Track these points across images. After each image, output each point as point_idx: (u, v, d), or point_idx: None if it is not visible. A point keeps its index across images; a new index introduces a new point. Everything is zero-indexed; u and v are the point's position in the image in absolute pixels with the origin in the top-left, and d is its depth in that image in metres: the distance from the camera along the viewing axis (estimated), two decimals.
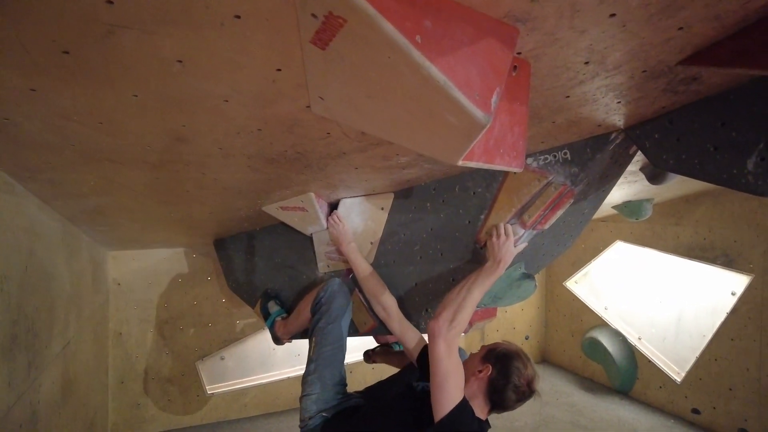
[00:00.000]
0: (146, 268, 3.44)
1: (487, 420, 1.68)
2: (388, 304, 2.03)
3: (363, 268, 2.10)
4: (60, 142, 1.26)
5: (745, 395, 3.29)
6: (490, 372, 1.66)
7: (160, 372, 3.52)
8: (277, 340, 2.54)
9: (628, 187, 2.77)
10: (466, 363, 1.76)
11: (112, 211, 2.15)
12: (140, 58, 0.89)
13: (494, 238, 1.75)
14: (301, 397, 1.97)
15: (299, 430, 1.96)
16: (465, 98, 0.74)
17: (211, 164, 1.54)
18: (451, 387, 1.55)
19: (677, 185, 3.05)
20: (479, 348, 1.84)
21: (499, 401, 1.65)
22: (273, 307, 2.60)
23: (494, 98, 0.79)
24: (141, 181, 1.69)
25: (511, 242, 1.74)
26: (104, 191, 1.80)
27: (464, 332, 2.05)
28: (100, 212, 2.12)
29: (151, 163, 1.50)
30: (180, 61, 0.90)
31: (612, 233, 4.28)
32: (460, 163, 0.97)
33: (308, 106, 1.11)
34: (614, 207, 3.48)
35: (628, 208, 3.41)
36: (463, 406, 1.55)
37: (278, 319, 2.53)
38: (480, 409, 1.64)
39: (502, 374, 1.64)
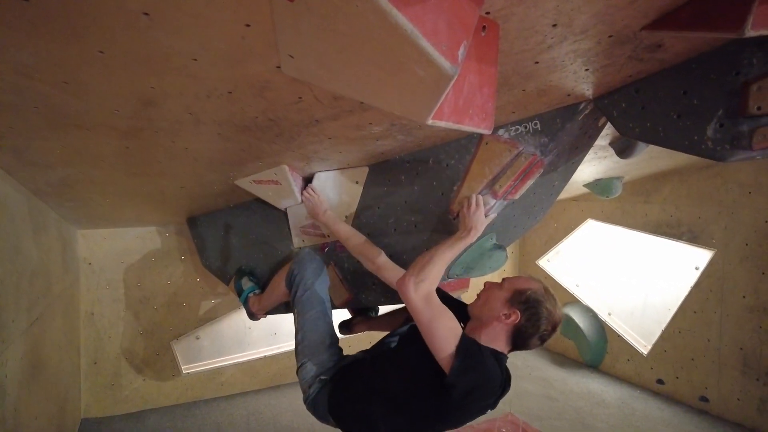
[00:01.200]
0: (118, 247, 3.38)
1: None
2: (378, 258, 1.97)
3: (344, 230, 2.06)
4: (22, 103, 1.23)
5: (705, 365, 3.44)
6: (518, 319, 1.56)
7: (134, 352, 3.48)
8: (252, 316, 2.54)
9: (599, 163, 2.84)
10: (486, 300, 1.66)
11: (80, 185, 2.11)
12: (106, 9, 0.86)
13: (465, 209, 1.77)
14: (297, 370, 1.90)
15: (304, 406, 1.88)
16: (432, 48, 0.75)
17: (181, 132, 1.52)
18: (440, 332, 1.48)
19: (646, 163, 3.14)
20: (500, 281, 1.72)
21: (522, 345, 1.60)
22: (246, 284, 2.58)
23: (461, 51, 0.80)
24: (110, 150, 1.66)
25: (482, 211, 1.76)
26: (71, 161, 1.76)
27: None
28: (67, 185, 2.07)
29: (119, 130, 1.47)
30: (147, 14, 0.89)
31: (583, 212, 4.38)
32: (430, 122, 0.99)
33: (279, 67, 1.10)
34: (585, 185, 3.56)
35: (599, 185, 3.49)
36: (464, 345, 1.47)
37: (251, 295, 2.52)
38: (500, 347, 1.58)
39: (532, 322, 1.56)
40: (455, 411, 1.55)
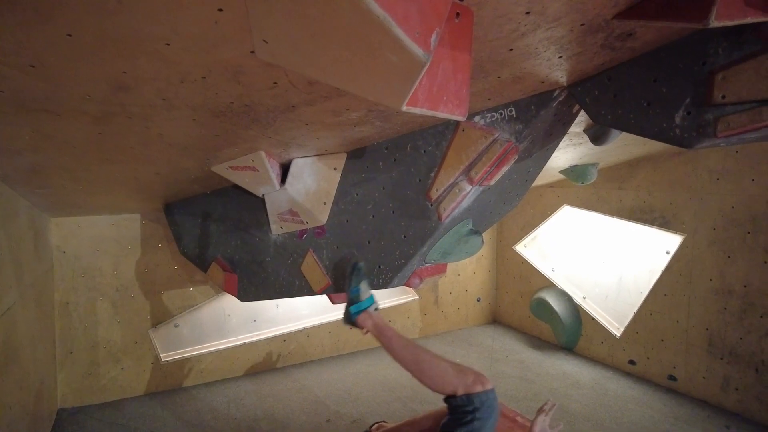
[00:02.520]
0: (93, 236, 3.32)
1: None
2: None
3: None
4: None
5: (674, 345, 3.56)
6: None
7: (111, 341, 3.45)
8: (354, 326, 1.99)
9: (574, 150, 2.89)
10: None
11: (51, 171, 2.06)
12: None
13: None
14: None
15: None
16: (404, 35, 0.76)
17: (155, 117, 1.50)
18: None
19: (620, 150, 3.20)
20: None
21: None
22: (366, 293, 2.01)
23: (434, 38, 0.81)
24: (81, 136, 1.63)
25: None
26: (41, 148, 1.72)
27: (413, 287, 2.12)
28: (37, 172, 2.03)
29: (91, 115, 1.44)
30: None
31: (559, 198, 4.45)
32: (404, 108, 0.99)
33: (253, 52, 1.09)
34: (561, 171, 3.61)
35: (575, 172, 3.55)
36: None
37: (367, 311, 1.95)
38: None
39: None
40: None
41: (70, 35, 0.97)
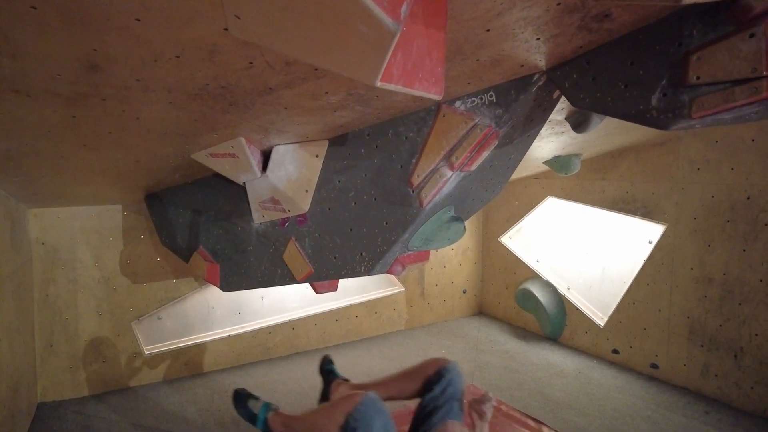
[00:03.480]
0: (73, 227, 3.27)
1: None
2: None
3: None
4: None
5: (656, 334, 3.61)
6: None
7: (93, 334, 3.40)
8: None
9: (556, 139, 2.90)
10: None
11: (26, 158, 2.02)
12: None
13: None
14: None
15: None
16: (373, 3, 0.75)
17: (130, 99, 1.48)
18: None
19: (602, 140, 3.23)
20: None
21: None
22: (256, 406, 2.20)
23: (404, 8, 0.80)
24: (55, 119, 1.59)
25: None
26: (13, 132, 1.68)
27: (396, 274, 2.12)
28: (12, 159, 1.98)
29: (63, 97, 1.41)
30: None
31: (544, 189, 4.48)
32: (379, 84, 0.99)
33: (226, 29, 1.08)
34: (545, 162, 3.63)
35: (558, 162, 3.57)
36: None
37: (270, 415, 2.12)
38: None
39: None
40: None
41: (34, 7, 0.95)
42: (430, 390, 1.98)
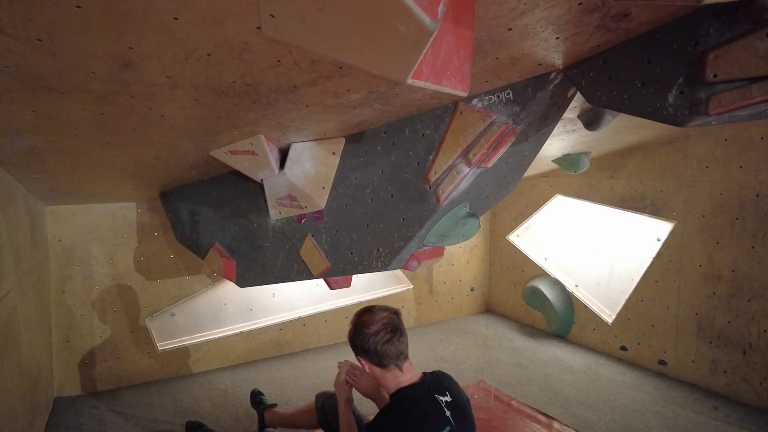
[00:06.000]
0: (89, 224, 3.32)
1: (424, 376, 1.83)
2: None
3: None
4: None
5: (664, 331, 3.63)
6: (366, 357, 1.80)
7: (108, 330, 3.45)
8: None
9: (567, 137, 2.93)
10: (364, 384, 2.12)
11: (50, 155, 2.06)
12: None
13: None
14: None
15: None
16: (413, 2, 0.79)
17: (158, 97, 1.51)
18: None
19: (611, 138, 3.25)
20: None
21: (386, 364, 1.77)
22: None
23: (441, 7, 0.84)
24: (83, 116, 1.63)
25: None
26: (42, 128, 1.72)
27: (411, 269, 2.15)
28: (36, 155, 2.03)
29: (95, 94, 1.45)
30: None
31: (552, 188, 4.50)
32: (410, 81, 1.02)
33: (259, 28, 1.11)
34: (554, 160, 3.66)
35: (567, 160, 3.59)
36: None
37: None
38: (396, 381, 1.78)
39: (366, 352, 1.78)
40: None
41: (79, 7, 0.99)
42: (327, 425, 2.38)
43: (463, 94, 1.17)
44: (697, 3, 1.06)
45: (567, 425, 2.86)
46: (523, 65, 1.61)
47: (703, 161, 3.34)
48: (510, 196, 4.88)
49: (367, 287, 4.42)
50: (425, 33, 0.84)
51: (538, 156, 2.90)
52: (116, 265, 3.43)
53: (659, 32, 1.44)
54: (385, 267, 2.11)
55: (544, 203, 4.62)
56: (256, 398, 2.94)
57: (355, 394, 2.21)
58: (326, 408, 2.37)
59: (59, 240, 3.24)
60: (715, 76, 1.33)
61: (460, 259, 5.09)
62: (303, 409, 2.56)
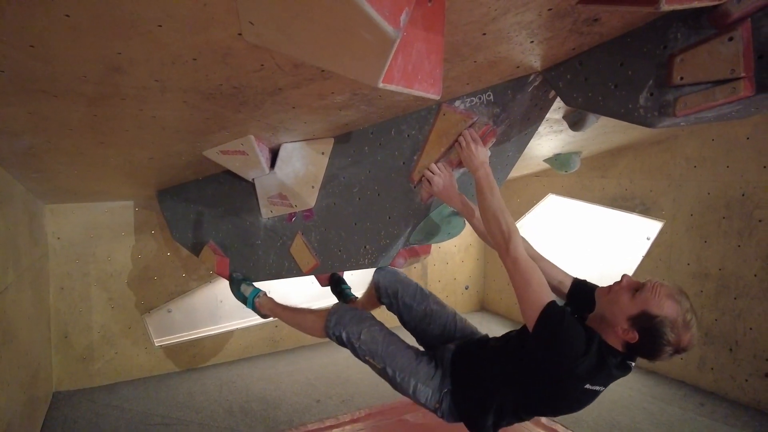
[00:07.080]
0: (87, 222, 3.38)
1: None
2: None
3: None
4: None
5: None
6: (636, 340, 1.46)
7: (106, 326, 3.52)
8: (265, 317, 2.55)
9: (555, 137, 2.98)
10: (612, 301, 1.54)
11: (47, 155, 2.12)
12: None
13: (461, 150, 1.81)
14: (413, 399, 1.91)
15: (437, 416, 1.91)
16: (375, 13, 0.84)
17: (148, 99, 1.57)
18: (531, 293, 1.53)
19: (601, 138, 3.30)
20: (644, 283, 1.52)
21: (632, 357, 1.56)
22: (247, 289, 2.57)
23: (403, 16, 0.89)
24: (77, 117, 1.69)
25: (478, 144, 1.79)
26: (38, 129, 1.79)
27: (398, 266, 2.21)
28: (34, 155, 2.09)
29: (87, 97, 1.51)
30: None
31: (545, 187, 4.55)
32: (381, 85, 1.08)
33: (240, 34, 1.17)
34: (545, 160, 3.71)
35: (558, 160, 3.64)
36: (551, 311, 1.48)
37: (257, 297, 2.51)
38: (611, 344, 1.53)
39: (649, 349, 1.47)
40: (553, 386, 1.63)
41: (68, 15, 1.05)
42: (390, 305, 2.22)
43: (436, 96, 1.23)
44: (655, 8, 1.11)
45: (554, 420, 2.91)
46: (502, 68, 1.67)
47: (692, 161, 3.39)
48: (503, 195, 4.87)
49: (362, 285, 4.47)
50: (389, 40, 0.90)
51: (528, 156, 2.95)
52: (114, 262, 3.50)
53: (631, 36, 1.50)
54: (372, 264, 2.17)
55: (536, 202, 4.67)
56: (339, 287, 2.76)
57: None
58: (380, 285, 2.19)
59: (58, 238, 3.31)
60: (681, 78, 1.38)
61: (455, 257, 5.14)
62: (366, 294, 2.42)
